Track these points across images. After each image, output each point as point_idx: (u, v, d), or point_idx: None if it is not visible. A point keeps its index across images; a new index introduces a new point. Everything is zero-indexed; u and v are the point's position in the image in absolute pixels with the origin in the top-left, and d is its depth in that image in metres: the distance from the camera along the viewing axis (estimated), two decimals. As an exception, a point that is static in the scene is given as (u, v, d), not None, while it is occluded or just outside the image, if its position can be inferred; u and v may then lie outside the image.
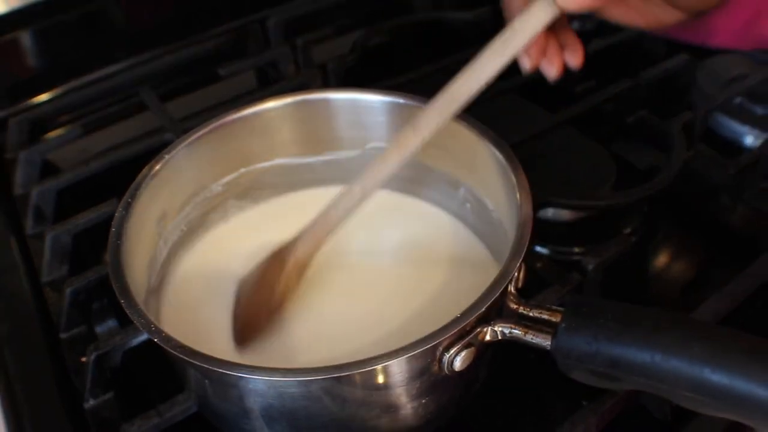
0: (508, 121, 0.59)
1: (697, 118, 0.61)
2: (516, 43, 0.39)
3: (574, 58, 0.42)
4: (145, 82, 0.73)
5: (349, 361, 0.34)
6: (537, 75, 0.41)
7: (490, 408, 0.45)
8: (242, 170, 0.51)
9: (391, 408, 0.38)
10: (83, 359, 0.47)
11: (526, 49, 0.40)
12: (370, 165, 0.43)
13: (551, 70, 0.42)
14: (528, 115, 0.63)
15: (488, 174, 0.46)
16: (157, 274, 0.46)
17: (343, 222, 0.45)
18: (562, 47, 0.42)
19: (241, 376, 0.35)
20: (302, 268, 0.46)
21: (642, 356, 0.34)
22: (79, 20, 0.75)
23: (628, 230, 0.57)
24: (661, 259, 0.57)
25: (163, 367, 0.41)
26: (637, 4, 0.43)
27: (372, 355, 0.34)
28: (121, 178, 0.45)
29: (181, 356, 0.35)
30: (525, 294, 0.40)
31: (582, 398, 0.43)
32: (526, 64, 0.41)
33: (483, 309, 0.35)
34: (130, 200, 0.43)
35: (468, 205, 0.50)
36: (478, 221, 0.50)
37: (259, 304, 0.45)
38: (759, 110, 0.65)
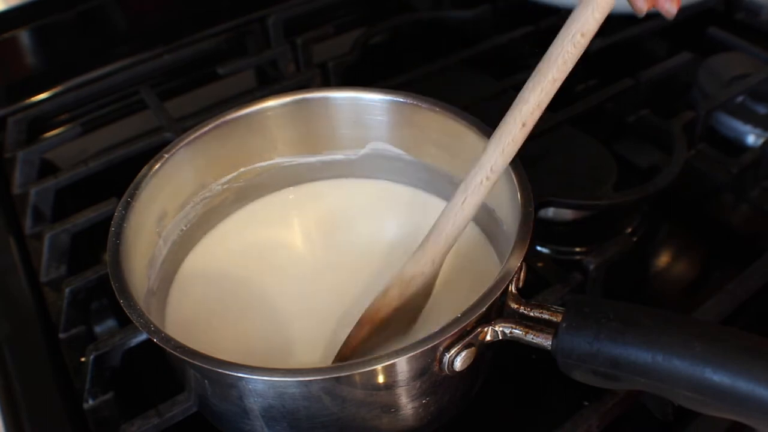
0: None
1: (698, 118, 0.61)
2: None
3: None
4: (145, 80, 0.73)
5: (349, 362, 0.34)
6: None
7: (490, 408, 0.45)
8: (242, 169, 0.51)
9: (392, 408, 0.38)
10: (83, 359, 0.47)
11: None
12: (472, 173, 0.39)
13: (670, 6, 0.36)
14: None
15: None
16: (157, 274, 0.45)
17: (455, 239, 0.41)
18: None
19: (241, 376, 0.35)
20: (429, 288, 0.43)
21: (643, 356, 0.34)
22: (78, 19, 0.75)
23: (629, 230, 0.57)
24: (663, 259, 0.57)
25: (163, 367, 0.41)
26: None
27: (372, 355, 0.34)
28: (120, 178, 0.45)
29: (181, 356, 0.35)
30: (526, 294, 0.40)
31: (583, 398, 0.43)
32: (641, 6, 0.36)
33: (483, 309, 0.35)
34: (129, 200, 0.43)
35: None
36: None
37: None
38: (761, 109, 0.65)
